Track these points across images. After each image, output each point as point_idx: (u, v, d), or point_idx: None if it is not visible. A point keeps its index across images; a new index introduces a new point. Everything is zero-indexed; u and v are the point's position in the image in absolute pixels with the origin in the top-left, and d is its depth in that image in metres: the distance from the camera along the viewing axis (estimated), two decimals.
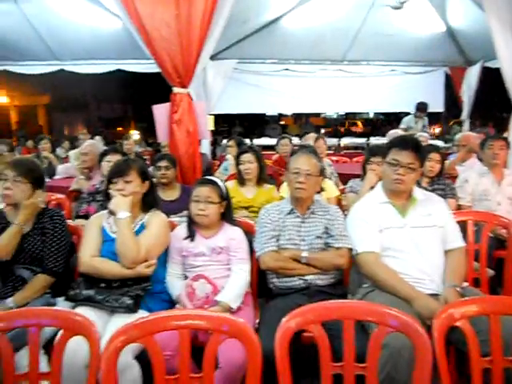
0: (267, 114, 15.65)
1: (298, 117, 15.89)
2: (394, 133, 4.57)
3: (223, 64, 7.05)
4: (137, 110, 17.56)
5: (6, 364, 1.37)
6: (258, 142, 8.78)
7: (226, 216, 2.27)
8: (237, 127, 11.37)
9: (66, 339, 1.39)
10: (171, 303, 2.17)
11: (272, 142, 8.67)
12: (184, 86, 3.49)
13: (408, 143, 2.14)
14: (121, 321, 1.89)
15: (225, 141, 7.86)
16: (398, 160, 2.09)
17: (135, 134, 11.85)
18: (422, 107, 6.67)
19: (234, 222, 2.29)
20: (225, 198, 2.25)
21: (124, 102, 16.77)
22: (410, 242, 2.08)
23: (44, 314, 1.35)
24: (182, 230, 2.26)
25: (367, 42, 7.57)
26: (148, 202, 2.22)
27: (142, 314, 1.98)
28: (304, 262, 2.14)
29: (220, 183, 2.28)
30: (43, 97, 20.52)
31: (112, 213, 2.14)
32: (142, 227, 2.15)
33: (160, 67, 3.50)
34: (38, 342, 1.40)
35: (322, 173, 2.33)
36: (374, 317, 1.36)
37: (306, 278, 2.14)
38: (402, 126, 6.73)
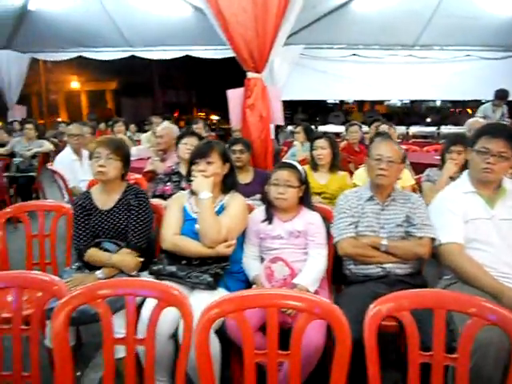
0: (329, 100, 15.39)
1: (361, 104, 15.50)
2: (475, 121, 4.33)
3: (290, 49, 6.99)
4: (200, 96, 17.94)
5: (105, 328, 1.47)
6: (322, 129, 8.66)
7: (305, 200, 2.28)
8: (299, 114, 11.26)
9: (161, 310, 1.47)
10: (248, 283, 2.23)
11: (336, 129, 8.55)
12: (258, 71, 3.51)
13: (500, 131, 2.03)
14: (201, 297, 1.98)
15: (289, 127, 7.84)
16: (489, 148, 1.99)
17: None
18: (501, 95, 6.24)
19: (312, 207, 2.29)
20: (304, 182, 2.26)
21: (188, 88, 17.16)
22: (497, 234, 1.98)
23: (145, 286, 1.43)
24: (259, 212, 2.30)
25: (441, 25, 7.21)
26: (228, 183, 2.27)
27: (221, 291, 2.06)
28: (383, 249, 2.10)
29: (299, 167, 2.28)
30: (111, 82, 21.49)
31: (194, 193, 2.22)
32: (222, 208, 2.21)
33: (235, 52, 3.54)
34: (135, 309, 1.49)
35: (403, 160, 2.27)
36: (470, 308, 1.32)
37: (385, 266, 2.11)
38: (479, 114, 6.34)
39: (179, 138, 3.15)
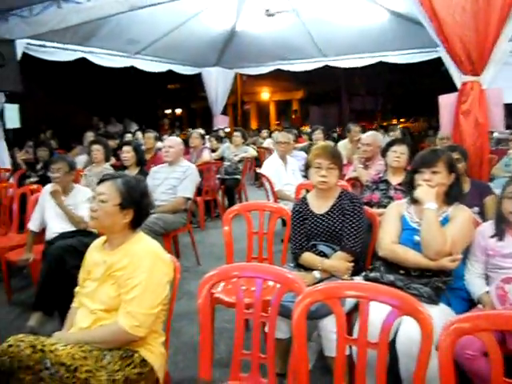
0: None
1: None
2: None
3: None
4: (394, 102, 17.48)
5: (339, 327, 1.54)
6: None
7: None
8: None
9: (397, 317, 1.47)
10: (471, 302, 2.07)
11: None
12: (476, 74, 3.24)
13: None
14: None
15: (495, 133, 7.02)
16: None
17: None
18: None
19: None
20: None
21: (375, 94, 16.96)
22: None
23: (384, 293, 1.46)
24: (488, 227, 2.12)
25: None
26: (452, 194, 2.15)
27: (442, 307, 1.96)
28: None
29: None
30: (298, 92, 22.60)
31: (415, 202, 2.16)
32: (446, 220, 2.10)
33: (450, 54, 3.34)
34: (367, 313, 1.52)
35: None
36: None
37: None
38: None
39: (388, 145, 3.12)
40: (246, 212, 2.77)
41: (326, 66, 8.49)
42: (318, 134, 5.63)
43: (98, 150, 4.31)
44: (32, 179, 4.67)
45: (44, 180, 4.57)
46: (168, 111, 21.59)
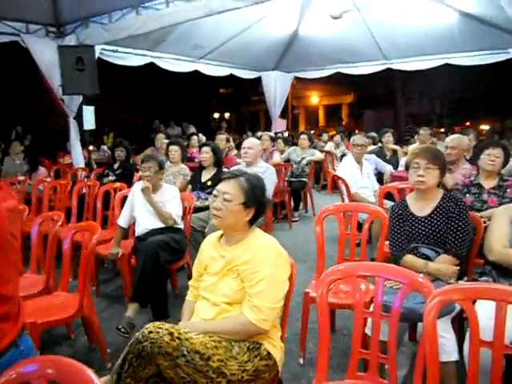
0: None
1: None
2: None
3: None
4: (443, 106, 16.94)
5: (473, 332, 1.51)
6: None
7: None
8: None
9: None
10: None
11: None
12: None
13: None
14: None
15: None
16: None
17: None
18: None
19: None
20: None
21: (431, 97, 16.49)
22: None
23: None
24: None
25: None
26: None
27: None
28: None
29: None
30: (347, 96, 22.39)
31: None
32: None
33: None
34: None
35: None
36: None
37: None
38: None
39: (481, 148, 3.03)
40: (338, 213, 2.77)
41: (388, 68, 8.35)
42: (388, 137, 5.54)
43: (175, 151, 4.45)
44: (110, 178, 4.87)
45: (121, 179, 4.77)
46: (216, 115, 21.97)
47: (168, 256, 3.01)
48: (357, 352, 1.75)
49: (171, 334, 1.56)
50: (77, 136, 6.17)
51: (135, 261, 3.23)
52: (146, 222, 3.27)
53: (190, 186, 4.25)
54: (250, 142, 4.06)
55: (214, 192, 1.88)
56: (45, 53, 5.71)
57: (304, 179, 5.88)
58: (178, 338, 1.56)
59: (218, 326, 1.72)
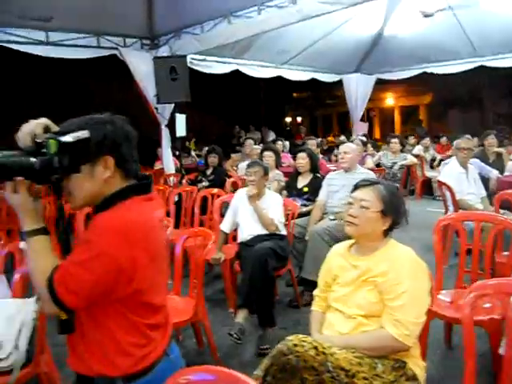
0: None
1: None
2: None
3: None
4: None
5: None
6: None
7: None
8: None
9: None
10: None
11: None
12: None
13: None
14: None
15: None
16: None
17: None
18: None
19: None
20: None
21: None
22: None
23: None
24: None
25: None
26: None
27: None
28: None
29: None
30: (425, 96, 21.35)
31: None
32: None
33: None
34: None
35: None
36: None
37: None
38: None
39: None
40: (459, 222, 2.60)
41: (481, 66, 7.82)
42: (491, 139, 5.17)
43: (270, 157, 4.46)
44: (204, 183, 4.99)
45: (214, 184, 4.87)
46: (288, 119, 21.91)
47: (275, 263, 3.00)
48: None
49: (316, 348, 1.52)
50: (168, 143, 6.43)
51: (239, 266, 3.27)
52: (251, 228, 3.29)
53: (284, 192, 4.23)
54: (347, 146, 3.95)
55: (349, 199, 1.83)
56: (140, 64, 6.02)
57: (396, 184, 5.65)
58: (323, 353, 1.52)
59: (358, 341, 1.65)
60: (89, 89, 11.02)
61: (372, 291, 1.70)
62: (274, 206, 3.31)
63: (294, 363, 1.50)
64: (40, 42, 5.32)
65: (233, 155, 6.80)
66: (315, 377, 1.49)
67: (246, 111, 13.25)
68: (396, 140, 6.04)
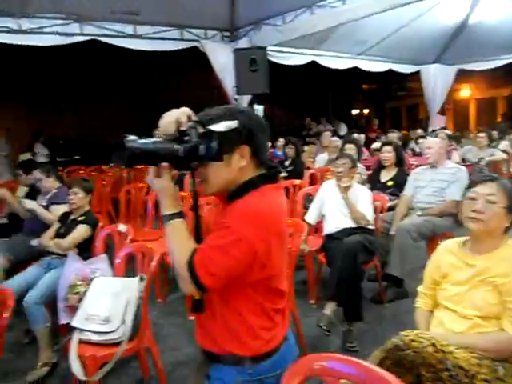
0: None
1: None
2: None
3: None
4: None
5: None
6: None
7: None
8: None
9: None
10: None
11: None
12: None
13: None
14: None
15: None
16: None
17: None
18: None
19: None
20: None
21: None
22: None
23: None
24: None
25: None
26: None
27: None
28: None
29: None
30: (504, 88, 19.95)
31: None
32: None
33: None
34: None
35: None
36: None
37: None
38: None
39: None
40: None
41: None
42: None
43: (352, 150, 4.40)
44: (282, 174, 5.02)
45: (292, 175, 4.88)
46: (355, 111, 21.34)
47: (364, 257, 2.97)
48: None
49: (434, 345, 1.50)
50: None
51: (325, 258, 3.27)
52: (338, 221, 3.27)
53: (367, 186, 4.16)
54: (429, 141, 3.83)
55: (471, 195, 1.75)
56: (220, 56, 6.15)
57: None
58: (442, 351, 1.49)
59: (475, 342, 1.60)
60: (167, 81, 11.43)
61: (491, 292, 1.64)
62: (363, 199, 3.27)
63: (411, 359, 1.48)
64: (129, 36, 5.58)
65: (306, 147, 6.76)
66: (432, 374, 1.47)
67: (314, 103, 13.10)
68: (483, 134, 5.71)
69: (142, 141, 1.15)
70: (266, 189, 1.23)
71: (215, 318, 1.27)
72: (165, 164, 1.18)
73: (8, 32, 4.93)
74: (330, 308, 2.82)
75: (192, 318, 3.32)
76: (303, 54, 6.93)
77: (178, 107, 1.23)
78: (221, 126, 1.15)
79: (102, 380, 2.20)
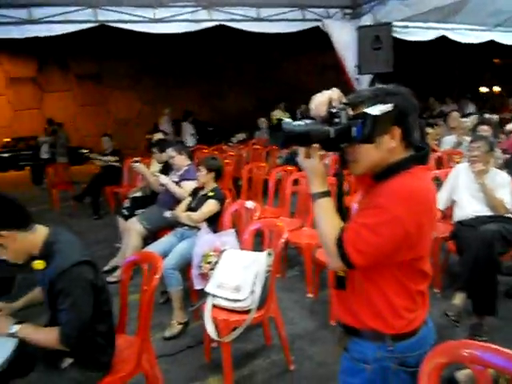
0: None
1: None
2: None
3: None
4: None
5: None
6: None
7: None
8: None
9: None
10: None
11: None
12: None
13: None
14: None
15: None
16: None
17: None
18: None
19: None
20: None
21: None
22: None
23: None
24: None
25: None
26: None
27: None
28: None
29: None
30: None
31: None
32: None
33: None
34: None
35: None
36: None
37: None
38: None
39: None
40: None
41: None
42: None
43: (486, 131, 4.05)
44: None
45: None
46: (484, 89, 19.29)
47: (501, 248, 2.75)
48: None
49: None
50: None
51: (455, 246, 3.08)
52: (471, 208, 3.05)
53: (504, 171, 3.80)
54: None
55: None
56: (341, 34, 6.01)
57: None
58: None
59: None
60: (285, 62, 11.55)
61: None
62: (503, 185, 3.00)
63: None
64: (254, 19, 5.71)
65: (430, 129, 6.32)
66: None
67: (438, 81, 12.18)
68: None
69: (296, 123, 1.18)
70: (416, 170, 1.21)
71: (358, 295, 1.29)
72: (315, 145, 1.21)
73: (145, 22, 5.37)
74: (459, 298, 2.68)
75: (310, 295, 3.41)
76: (431, 28, 6.44)
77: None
78: (376, 110, 1.15)
79: (229, 342, 2.37)
